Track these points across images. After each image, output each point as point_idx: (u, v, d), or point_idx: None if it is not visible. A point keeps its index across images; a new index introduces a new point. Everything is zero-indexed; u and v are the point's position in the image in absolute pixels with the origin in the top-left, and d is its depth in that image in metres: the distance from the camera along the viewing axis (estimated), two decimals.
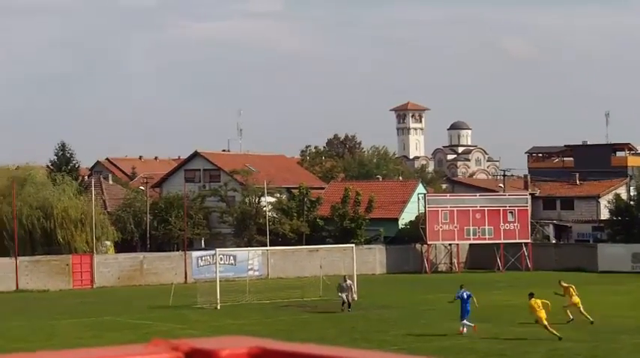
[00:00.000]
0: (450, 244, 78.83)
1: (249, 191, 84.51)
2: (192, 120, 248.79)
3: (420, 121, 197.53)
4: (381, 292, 58.19)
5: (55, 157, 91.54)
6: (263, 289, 55.82)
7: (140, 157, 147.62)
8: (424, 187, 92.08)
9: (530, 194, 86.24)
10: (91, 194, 73.34)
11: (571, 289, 43.57)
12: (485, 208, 76.85)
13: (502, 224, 76.70)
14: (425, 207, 77.03)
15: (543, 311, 38.39)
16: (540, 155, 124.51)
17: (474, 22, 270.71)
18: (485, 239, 76.89)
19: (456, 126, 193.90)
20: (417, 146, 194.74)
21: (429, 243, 76.96)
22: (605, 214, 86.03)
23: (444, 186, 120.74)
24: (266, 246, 71.80)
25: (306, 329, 41.40)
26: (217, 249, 59.39)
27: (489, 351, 35.44)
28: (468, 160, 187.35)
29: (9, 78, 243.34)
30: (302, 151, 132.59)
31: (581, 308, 42.52)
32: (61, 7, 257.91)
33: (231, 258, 64.22)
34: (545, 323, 38.13)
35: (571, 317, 41.99)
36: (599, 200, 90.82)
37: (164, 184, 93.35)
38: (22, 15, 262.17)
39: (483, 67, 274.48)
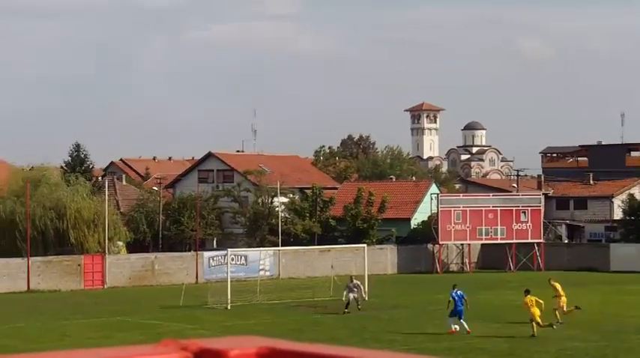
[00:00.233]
0: (461, 244, 78.73)
1: (262, 191, 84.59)
2: (207, 121, 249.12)
3: (435, 122, 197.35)
4: (392, 292, 58.13)
5: (70, 158, 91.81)
6: (274, 289, 55.85)
7: (154, 158, 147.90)
8: (437, 187, 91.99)
9: (543, 194, 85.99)
10: (105, 194, 73.49)
11: (558, 288, 43.59)
12: (498, 208, 76.71)
13: (514, 224, 76.55)
14: (437, 207, 76.95)
15: (537, 308, 38.59)
16: (555, 155, 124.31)
17: (488, 22, 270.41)
18: (497, 239, 76.76)
19: (470, 127, 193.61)
20: (432, 146, 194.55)
21: (440, 242, 76.89)
22: (618, 214, 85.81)
23: (457, 186, 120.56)
24: (278, 246, 71.82)
25: (317, 330, 41.44)
26: (229, 250, 59.43)
27: (499, 351, 35.44)
28: (482, 160, 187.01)
29: (24, 79, 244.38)
30: (316, 151, 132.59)
31: (565, 308, 42.47)
32: (76, 9, 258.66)
33: (243, 258, 64.21)
34: (539, 320, 38.32)
35: (560, 320, 41.71)
36: (613, 200, 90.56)
37: (177, 185, 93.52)
38: (38, 17, 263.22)
39: (498, 67, 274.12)
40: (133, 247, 76.70)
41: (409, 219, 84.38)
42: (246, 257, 64.46)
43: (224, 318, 45.99)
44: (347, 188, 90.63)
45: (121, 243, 74.88)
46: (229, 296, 50.35)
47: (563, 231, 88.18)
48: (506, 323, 42.32)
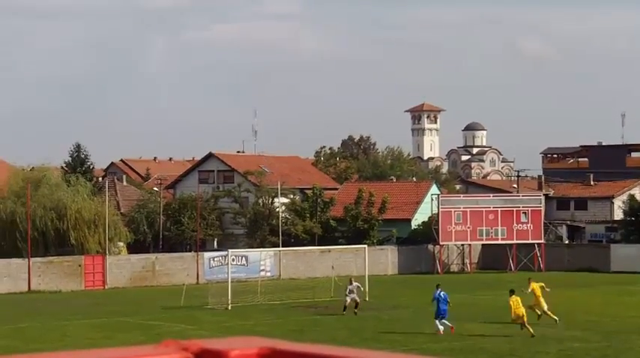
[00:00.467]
0: (462, 245, 78.76)
1: (262, 192, 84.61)
2: (208, 121, 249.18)
3: (435, 122, 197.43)
4: (393, 293, 58.15)
5: (70, 158, 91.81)
6: (274, 290, 55.87)
7: (155, 158, 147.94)
8: (438, 188, 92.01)
9: (544, 195, 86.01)
10: (105, 195, 73.50)
11: (538, 287, 43.56)
12: (499, 209, 76.74)
13: (515, 224, 76.57)
14: (438, 208, 76.99)
15: (522, 308, 38.80)
16: (555, 156, 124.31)
17: (489, 23, 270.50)
18: (497, 239, 76.79)
19: (470, 127, 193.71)
20: (432, 147, 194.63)
21: (441, 243, 76.92)
22: (619, 215, 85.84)
23: (457, 187, 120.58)
24: (278, 246, 71.84)
25: (317, 330, 41.44)
26: (230, 250, 59.44)
27: (500, 351, 35.42)
28: (483, 161, 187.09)
29: (24, 79, 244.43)
30: (316, 152, 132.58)
31: (543, 308, 42.48)
32: (77, 9, 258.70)
33: (244, 258, 64.15)
34: (525, 320, 38.51)
35: (539, 313, 41.80)
36: (613, 201, 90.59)
37: (178, 185, 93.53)
38: (38, 17, 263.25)
39: (499, 67, 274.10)
40: (134, 248, 76.74)
41: (410, 220, 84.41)
42: (246, 257, 64.41)
43: (225, 319, 46.00)
44: (347, 189, 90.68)
45: (121, 244, 74.91)
46: (230, 297, 50.35)
47: (563, 231, 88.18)
48: (507, 323, 42.22)
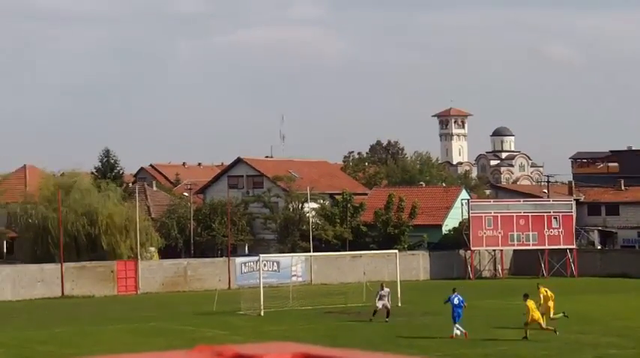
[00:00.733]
0: (493, 250, 78.52)
1: (292, 197, 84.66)
2: (236, 127, 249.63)
3: (463, 127, 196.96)
4: (425, 298, 57.97)
5: (100, 164, 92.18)
6: (306, 295, 55.82)
7: (184, 164, 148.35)
8: (467, 193, 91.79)
9: (574, 200, 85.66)
10: (135, 200, 73.79)
11: (549, 294, 43.42)
12: (530, 214, 76.49)
13: (546, 230, 76.29)
14: (468, 213, 76.80)
15: (538, 312, 39.28)
16: (585, 160, 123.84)
17: (518, 27, 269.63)
18: (529, 245, 76.52)
19: (499, 133, 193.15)
20: (460, 152, 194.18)
21: (472, 249, 76.72)
22: None
23: (487, 192, 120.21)
24: (309, 252, 71.85)
25: (350, 336, 41.35)
26: (261, 255, 59.49)
27: (534, 357, 35.27)
28: (512, 166, 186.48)
29: (54, 85, 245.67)
30: (345, 157, 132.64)
31: (551, 314, 42.38)
32: (106, 15, 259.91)
33: (275, 264, 64.30)
34: (541, 322, 39.01)
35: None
36: None
37: (207, 190, 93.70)
38: (67, 23, 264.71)
39: (526, 72, 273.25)
40: (165, 253, 76.97)
41: (440, 226, 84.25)
42: (278, 263, 64.55)
43: (257, 324, 45.99)
44: (377, 194, 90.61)
45: (153, 249, 75.16)
46: (262, 302, 50.35)
47: (595, 237, 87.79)
48: (540, 329, 42.07)
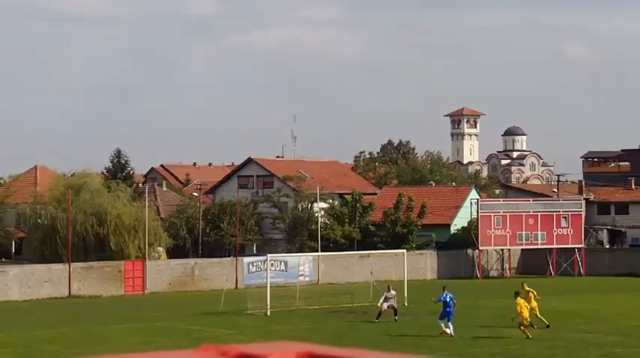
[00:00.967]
0: (501, 249, 78.43)
1: (301, 197, 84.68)
2: (248, 127, 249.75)
3: (475, 127, 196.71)
4: (432, 298, 57.81)
5: (111, 164, 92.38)
6: (313, 295, 55.82)
7: (194, 164, 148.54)
8: (477, 193, 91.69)
9: (584, 199, 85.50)
10: (145, 201, 73.88)
11: (531, 294, 43.41)
12: (539, 213, 76.40)
13: (555, 229, 76.19)
14: (477, 213, 76.74)
15: (526, 311, 39.63)
16: (596, 160, 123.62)
17: (529, 26, 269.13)
18: (537, 244, 76.43)
19: (510, 132, 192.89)
20: (472, 151, 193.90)
21: (480, 248, 76.64)
22: None
23: (497, 191, 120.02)
24: (317, 251, 71.84)
25: (356, 335, 41.35)
26: (268, 255, 59.49)
27: (540, 356, 35.26)
28: (523, 165, 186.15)
29: (65, 86, 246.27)
30: (356, 157, 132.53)
31: (537, 313, 42.36)
32: (117, 16, 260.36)
33: (282, 263, 64.25)
34: (525, 322, 39.32)
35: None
36: None
37: (217, 190, 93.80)
38: (79, 25, 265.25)
39: (538, 71, 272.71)
40: (173, 253, 77.05)
41: (449, 225, 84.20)
42: (285, 262, 64.50)
43: (263, 324, 46.02)
44: (386, 193, 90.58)
45: (161, 249, 75.25)
46: (269, 302, 50.35)
47: (604, 236, 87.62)
48: (546, 328, 42.07)
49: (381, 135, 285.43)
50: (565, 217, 76.54)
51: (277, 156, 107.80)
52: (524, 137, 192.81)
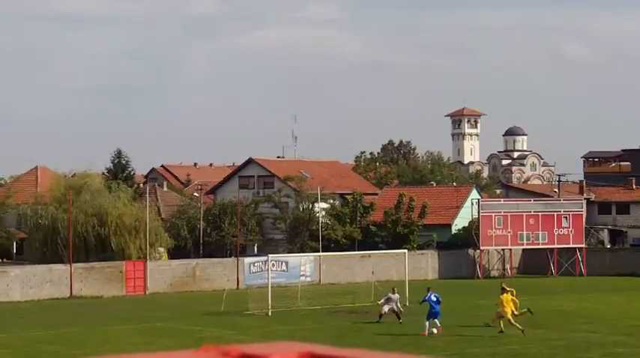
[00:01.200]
0: (502, 249, 78.44)
1: (302, 197, 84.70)
2: (249, 127, 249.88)
3: (476, 127, 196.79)
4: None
5: (111, 164, 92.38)
6: (314, 295, 55.81)
7: (195, 164, 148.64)
8: (478, 193, 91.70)
9: (585, 199, 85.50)
10: (146, 201, 73.87)
11: (509, 294, 43.22)
12: (540, 213, 76.40)
13: (556, 229, 76.20)
14: (478, 212, 76.75)
15: (508, 307, 40.08)
16: (596, 160, 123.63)
17: (530, 26, 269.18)
18: (538, 244, 76.44)
19: (511, 132, 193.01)
20: (472, 151, 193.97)
21: (481, 248, 76.65)
22: None
23: (498, 191, 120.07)
24: (318, 251, 71.84)
25: (357, 335, 41.36)
26: (270, 255, 59.51)
27: (541, 356, 35.25)
28: (523, 165, 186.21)
29: (66, 86, 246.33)
30: (356, 157, 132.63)
31: (516, 311, 42.30)
32: (118, 16, 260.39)
33: (284, 264, 64.26)
34: (510, 318, 39.74)
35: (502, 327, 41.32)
36: None
37: (218, 191, 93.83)
38: (79, 25, 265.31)
39: (539, 71, 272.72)
40: (174, 253, 77.02)
41: (450, 225, 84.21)
42: (286, 263, 64.52)
43: (265, 324, 46.02)
44: (387, 194, 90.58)
45: (162, 249, 75.24)
46: (270, 302, 50.35)
47: (605, 236, 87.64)
48: (548, 328, 42.11)
49: (381, 135, 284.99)
50: (566, 217, 76.55)
51: (278, 157, 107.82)
52: (524, 137, 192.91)
